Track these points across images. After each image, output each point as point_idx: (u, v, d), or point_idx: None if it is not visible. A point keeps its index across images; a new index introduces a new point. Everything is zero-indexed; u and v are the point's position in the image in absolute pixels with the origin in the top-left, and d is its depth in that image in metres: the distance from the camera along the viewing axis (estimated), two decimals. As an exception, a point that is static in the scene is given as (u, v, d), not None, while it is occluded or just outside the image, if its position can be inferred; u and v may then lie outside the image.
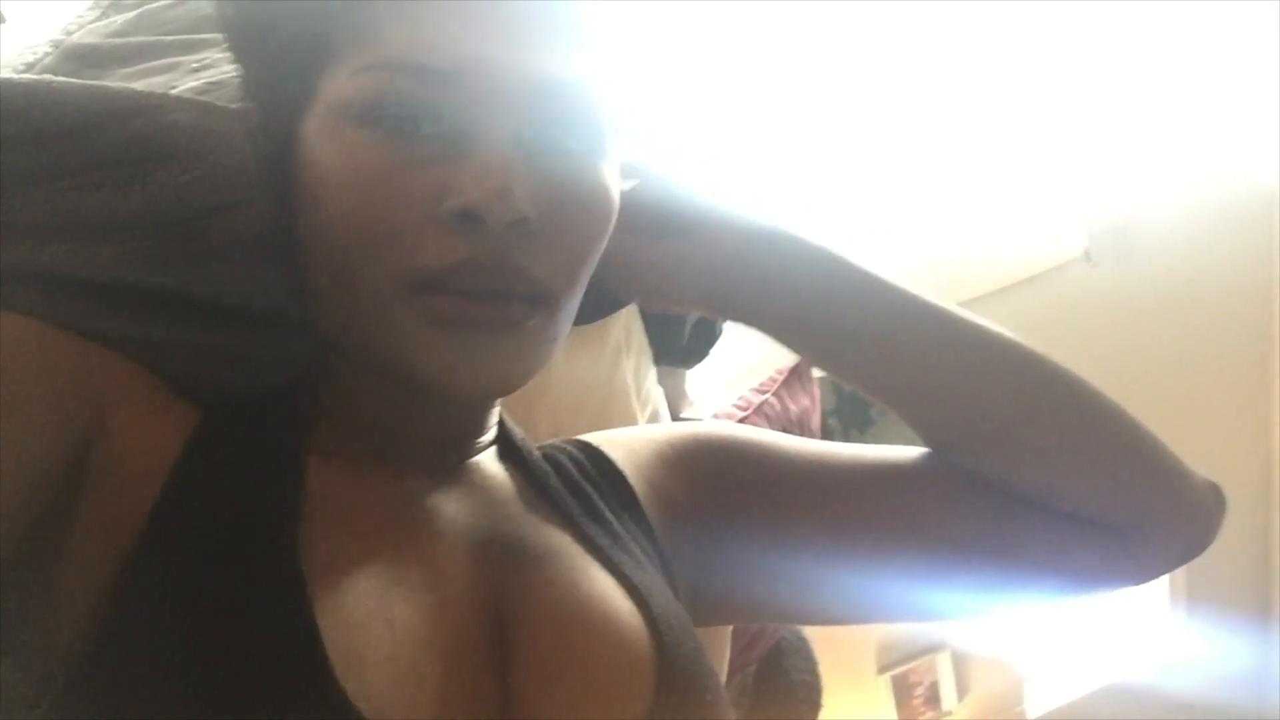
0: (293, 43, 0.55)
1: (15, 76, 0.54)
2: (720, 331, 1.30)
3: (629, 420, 1.06)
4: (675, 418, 1.26)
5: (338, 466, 0.58)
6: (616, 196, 0.59)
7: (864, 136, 2.15)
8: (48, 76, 0.55)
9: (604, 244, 0.60)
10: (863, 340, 0.68)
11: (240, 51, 0.59)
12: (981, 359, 0.68)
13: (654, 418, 1.13)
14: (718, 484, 0.71)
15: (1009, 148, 2.18)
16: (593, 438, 0.73)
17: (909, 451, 0.72)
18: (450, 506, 0.61)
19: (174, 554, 0.50)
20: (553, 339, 0.58)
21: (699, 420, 0.76)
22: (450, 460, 0.63)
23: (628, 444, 0.73)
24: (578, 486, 0.67)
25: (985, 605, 0.71)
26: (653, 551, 0.67)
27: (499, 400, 0.67)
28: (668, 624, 0.60)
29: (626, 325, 1.07)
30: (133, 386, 0.54)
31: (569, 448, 0.72)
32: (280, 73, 0.56)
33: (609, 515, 0.66)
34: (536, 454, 0.68)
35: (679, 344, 1.21)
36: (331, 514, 0.54)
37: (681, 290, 0.70)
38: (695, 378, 1.38)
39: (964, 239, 2.19)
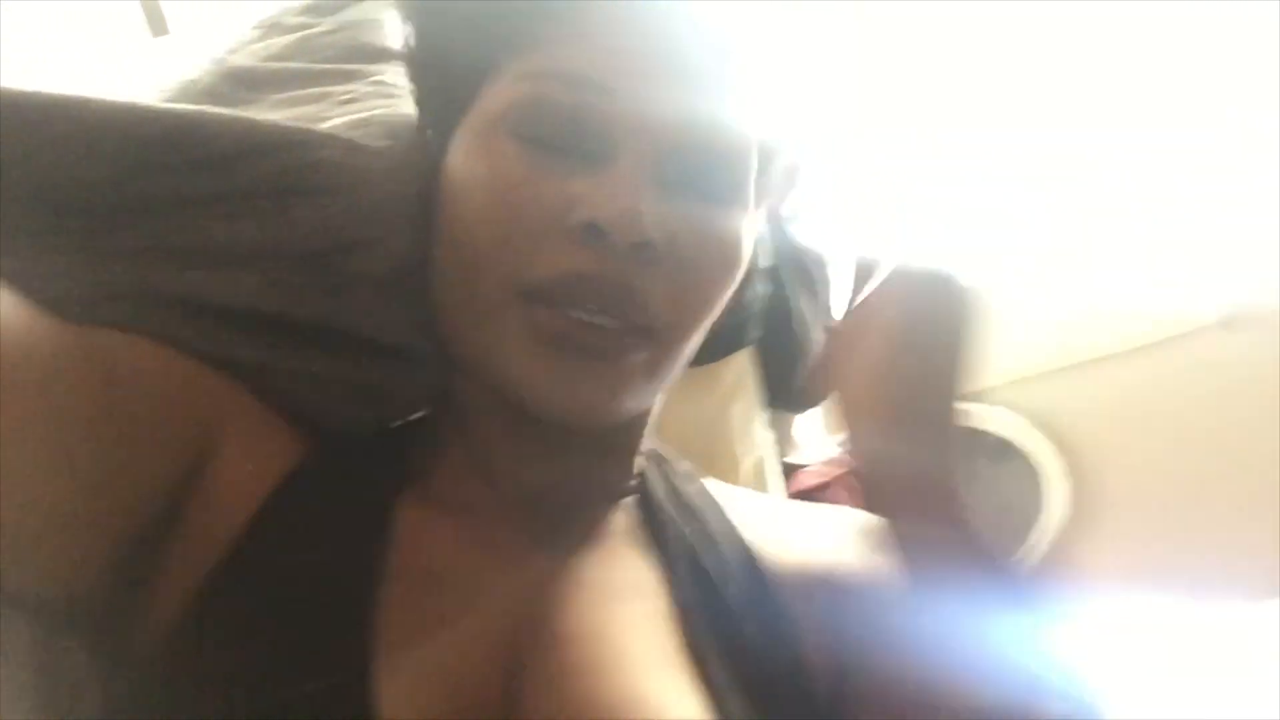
0: (462, 55, 0.57)
1: (175, 105, 0.57)
2: (834, 378, 1.28)
3: (730, 462, 1.06)
4: (783, 462, 1.25)
5: (434, 514, 0.58)
6: (748, 250, 0.58)
7: (997, 175, 2.10)
8: (204, 107, 0.58)
9: (727, 293, 0.58)
10: None
11: (416, 67, 0.62)
12: None
13: (758, 464, 1.12)
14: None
15: (1155, 203, 2.11)
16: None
17: None
18: (554, 559, 0.58)
19: (247, 589, 0.50)
20: (656, 381, 0.57)
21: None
22: (564, 510, 0.61)
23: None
24: (696, 528, 0.63)
25: None
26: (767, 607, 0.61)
27: (638, 450, 0.65)
28: (723, 657, 0.56)
29: (740, 368, 1.06)
30: (246, 413, 0.57)
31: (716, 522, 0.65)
32: (449, 86, 0.58)
33: (729, 583, 0.60)
34: (676, 526, 0.63)
35: (791, 389, 1.19)
36: (415, 568, 0.54)
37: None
38: (803, 422, 1.36)
39: (1096, 292, 2.12)
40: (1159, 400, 2.13)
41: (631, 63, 0.53)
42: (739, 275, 0.59)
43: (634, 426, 0.64)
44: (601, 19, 0.54)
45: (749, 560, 0.63)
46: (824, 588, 0.63)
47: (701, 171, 0.55)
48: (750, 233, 0.58)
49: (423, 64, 0.62)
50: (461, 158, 0.56)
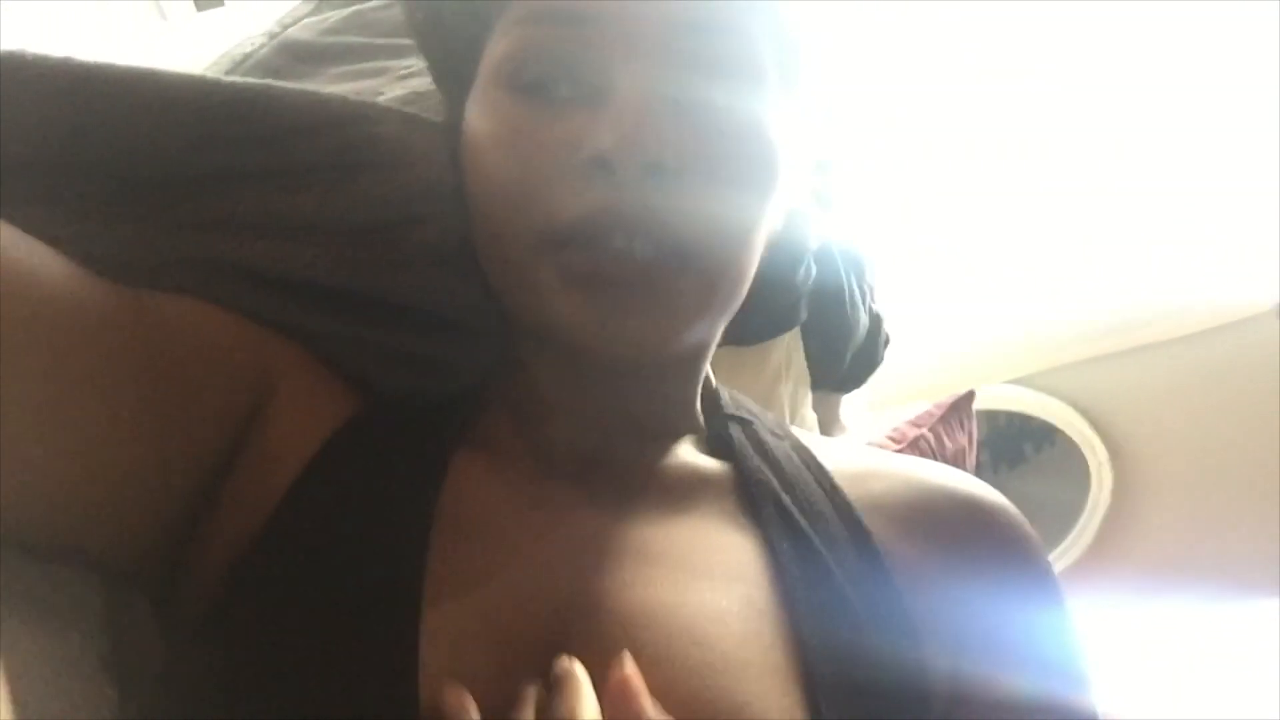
0: (456, 20, 0.57)
1: (238, 79, 0.57)
2: (881, 359, 1.28)
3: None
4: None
5: (489, 470, 0.57)
6: (777, 142, 0.56)
7: (1054, 163, 2.07)
8: (267, 81, 0.58)
9: (768, 196, 0.56)
10: None
11: (423, 44, 0.62)
12: None
13: (806, 444, 1.12)
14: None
15: (1210, 186, 2.07)
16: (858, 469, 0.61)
17: None
18: (609, 507, 0.56)
19: (300, 534, 0.51)
20: (711, 308, 0.55)
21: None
22: (624, 451, 0.59)
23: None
24: (800, 498, 0.57)
25: None
26: (882, 579, 0.55)
27: (700, 391, 0.63)
28: (830, 654, 0.49)
29: (788, 349, 1.06)
30: (302, 369, 0.57)
31: (821, 487, 0.59)
32: (452, 53, 0.59)
33: (842, 567, 0.54)
34: (754, 459, 0.59)
35: (839, 370, 1.19)
36: (467, 521, 0.53)
37: None
38: (849, 404, 1.36)
39: (1151, 279, 2.09)
40: (1207, 388, 2.10)
41: None
42: (772, 174, 0.56)
43: (685, 367, 0.62)
44: None
45: (863, 538, 0.56)
46: (943, 578, 0.56)
47: (707, 72, 0.53)
48: (779, 123, 0.56)
49: (425, 36, 0.62)
50: (472, 120, 0.56)
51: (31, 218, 0.48)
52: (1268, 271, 2.06)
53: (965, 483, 0.61)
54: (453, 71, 0.60)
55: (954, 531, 0.58)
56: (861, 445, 0.71)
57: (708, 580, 0.52)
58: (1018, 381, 2.14)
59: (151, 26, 1.65)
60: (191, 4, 1.58)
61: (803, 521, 0.56)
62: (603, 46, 0.52)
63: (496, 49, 0.55)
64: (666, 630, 0.48)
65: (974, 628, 0.55)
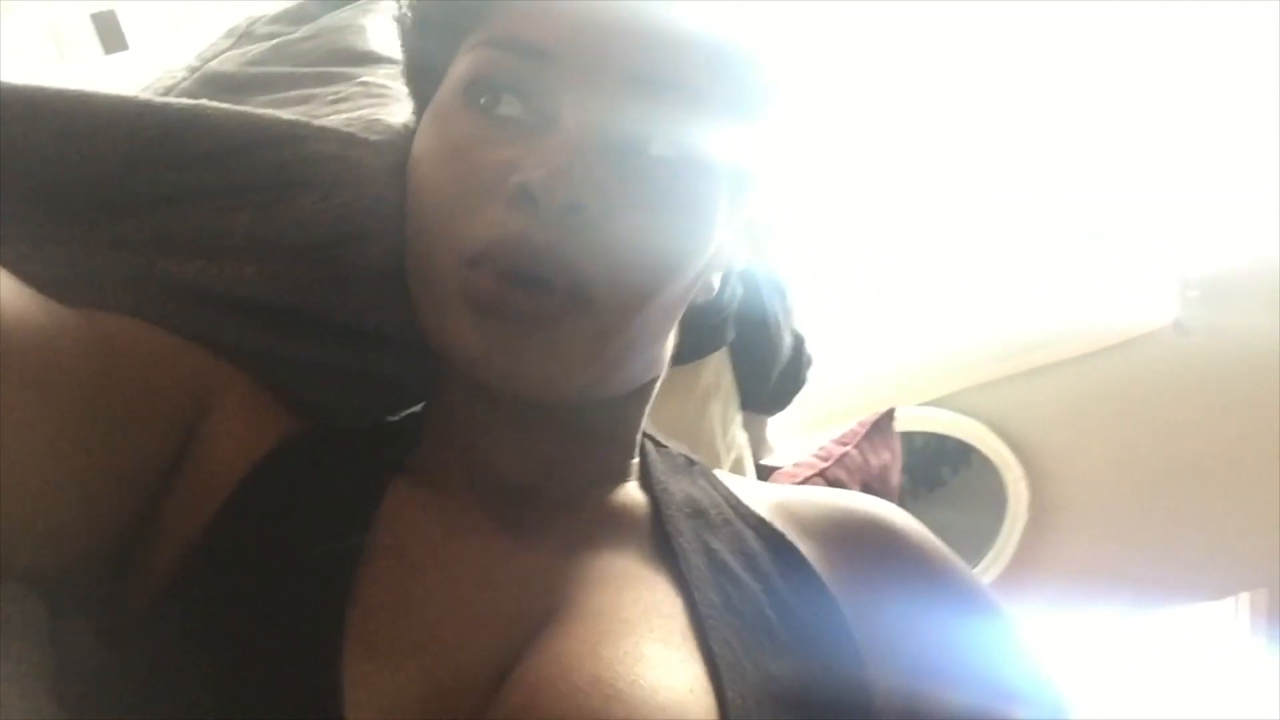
0: (432, 38, 0.58)
1: (175, 100, 0.57)
2: (805, 380, 1.30)
3: (713, 463, 1.07)
4: (756, 463, 1.26)
5: (422, 489, 0.57)
6: (711, 217, 0.56)
7: (947, 181, 2.15)
8: (202, 101, 0.58)
9: (681, 272, 0.55)
10: None
11: (405, 58, 0.62)
12: None
13: (737, 463, 1.13)
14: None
15: (1104, 206, 2.16)
16: (773, 505, 0.63)
17: None
18: (537, 541, 0.56)
19: (227, 552, 0.50)
20: (603, 357, 0.54)
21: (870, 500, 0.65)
22: (560, 488, 0.59)
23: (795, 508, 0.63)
24: (715, 549, 0.57)
25: None
26: (821, 602, 0.57)
27: (637, 430, 0.63)
28: (746, 708, 0.48)
29: (717, 369, 1.08)
30: (241, 388, 0.57)
31: (743, 521, 0.61)
32: (426, 71, 0.59)
33: (748, 588, 0.55)
34: (678, 503, 0.60)
35: (765, 390, 1.21)
36: (398, 538, 0.53)
37: None
38: (775, 425, 1.38)
39: (1048, 299, 2.16)
40: (1115, 402, 2.18)
41: (575, 28, 0.52)
42: (696, 249, 0.56)
43: (620, 414, 0.62)
44: None
45: (799, 566, 0.58)
46: (873, 596, 0.58)
47: (653, 128, 0.53)
48: (710, 217, 0.56)
49: (407, 54, 0.62)
50: (422, 133, 0.57)
51: (-38, 241, 0.47)
52: (1164, 288, 2.16)
53: (863, 500, 0.64)
54: (423, 84, 0.60)
55: (869, 548, 0.61)
56: (764, 483, 0.73)
57: (629, 624, 0.51)
58: (933, 402, 2.19)
59: (51, 69, 1.62)
60: (99, 46, 1.55)
61: (731, 559, 0.57)
62: (556, 79, 0.52)
63: (459, 66, 0.55)
64: (593, 626, 0.50)
65: (906, 645, 0.57)
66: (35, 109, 0.52)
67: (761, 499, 0.64)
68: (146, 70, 0.97)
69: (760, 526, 0.60)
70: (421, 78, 0.60)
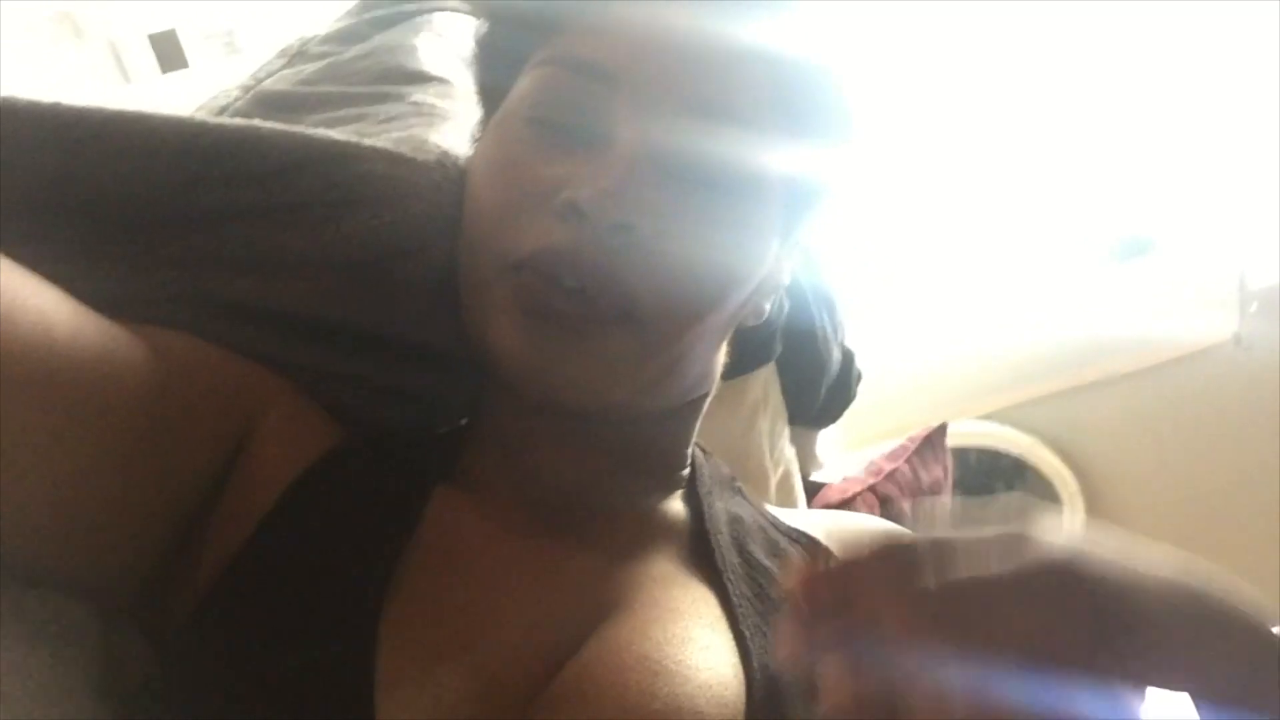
0: (502, 52, 0.59)
1: (228, 120, 0.58)
2: (855, 394, 1.29)
3: (761, 478, 1.06)
4: (805, 478, 1.25)
5: (469, 498, 0.57)
6: (764, 242, 0.57)
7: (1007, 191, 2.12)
8: (255, 120, 0.59)
9: (728, 296, 0.56)
10: None
11: (479, 69, 0.63)
12: None
13: (785, 478, 1.12)
14: None
15: (1163, 217, 2.12)
16: (815, 531, 0.64)
17: None
18: (580, 550, 0.57)
19: (270, 559, 0.51)
20: (639, 366, 0.55)
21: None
22: (603, 499, 0.60)
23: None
24: (752, 556, 0.59)
25: None
26: None
27: (688, 443, 0.63)
28: (771, 707, 0.49)
29: (765, 384, 1.07)
30: (287, 399, 0.58)
31: (777, 530, 0.63)
32: (495, 84, 0.60)
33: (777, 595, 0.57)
34: (719, 513, 0.61)
35: (814, 405, 1.20)
36: (442, 548, 0.54)
37: None
38: (824, 440, 1.37)
39: (1105, 313, 2.13)
40: (1172, 418, 2.14)
41: (636, 50, 0.53)
42: (746, 278, 0.57)
43: (669, 429, 0.63)
44: (622, 12, 0.55)
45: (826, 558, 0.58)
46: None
47: (705, 165, 0.54)
48: (763, 242, 0.57)
49: (478, 69, 0.64)
50: (482, 145, 0.58)
51: (19, 258, 0.48)
52: (1224, 302, 2.11)
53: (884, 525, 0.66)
54: (493, 97, 0.61)
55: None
56: (810, 511, 0.74)
57: (675, 613, 0.53)
58: (987, 417, 2.16)
59: (115, 89, 1.66)
60: (156, 65, 1.59)
61: (763, 559, 0.58)
62: (613, 98, 0.53)
63: (523, 82, 0.57)
64: (644, 673, 0.49)
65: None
66: (94, 130, 0.53)
67: (804, 520, 0.65)
68: (199, 91, 0.99)
69: (793, 532, 0.63)
70: (490, 91, 0.62)
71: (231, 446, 0.55)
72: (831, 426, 1.32)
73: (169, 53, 1.58)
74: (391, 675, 0.46)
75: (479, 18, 0.63)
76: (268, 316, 0.57)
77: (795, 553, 0.61)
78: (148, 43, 1.62)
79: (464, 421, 0.65)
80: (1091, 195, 2.13)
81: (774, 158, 0.56)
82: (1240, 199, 2.11)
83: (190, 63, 1.61)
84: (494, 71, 0.61)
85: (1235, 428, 2.13)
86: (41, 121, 0.53)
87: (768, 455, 1.06)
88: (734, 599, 0.54)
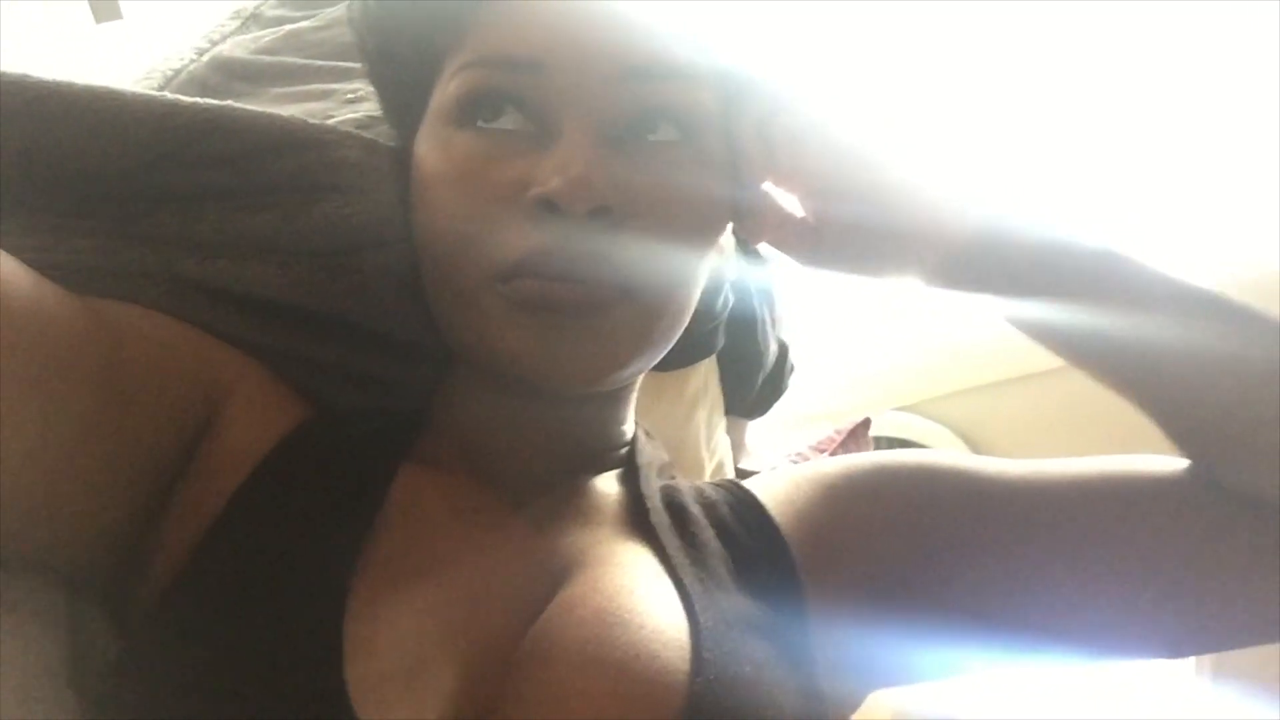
0: (407, 58, 0.59)
1: (202, 100, 0.57)
2: (787, 386, 1.32)
3: (697, 468, 1.08)
4: (734, 468, 1.27)
5: (431, 476, 0.58)
6: (716, 185, 0.58)
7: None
8: (228, 102, 0.58)
9: (706, 238, 0.59)
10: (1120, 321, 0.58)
11: (374, 75, 0.63)
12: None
13: (719, 468, 1.15)
14: (921, 518, 0.61)
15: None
16: (748, 482, 0.66)
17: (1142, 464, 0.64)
18: (534, 522, 0.59)
19: (238, 537, 0.52)
20: (650, 341, 0.57)
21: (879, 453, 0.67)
22: (555, 475, 0.62)
23: (784, 484, 0.65)
24: (687, 517, 0.61)
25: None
26: (781, 598, 0.59)
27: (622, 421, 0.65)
28: (715, 643, 0.51)
29: (705, 376, 1.09)
30: (254, 379, 0.58)
31: (708, 486, 0.66)
32: (403, 89, 0.60)
33: (710, 546, 0.59)
34: (654, 481, 0.64)
35: (749, 396, 1.22)
36: (407, 522, 0.55)
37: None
38: (753, 430, 1.39)
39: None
40: (1082, 416, 2.21)
41: (556, 32, 0.54)
42: (711, 215, 0.59)
43: (609, 409, 0.65)
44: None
45: (786, 569, 0.60)
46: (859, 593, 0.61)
47: (651, 117, 0.55)
48: (715, 169, 0.58)
49: (376, 67, 0.63)
50: (423, 155, 0.58)
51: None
52: None
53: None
54: (403, 104, 0.61)
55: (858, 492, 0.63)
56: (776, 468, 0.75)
57: (621, 568, 0.56)
58: (905, 409, 2.22)
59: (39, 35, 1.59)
60: (90, 14, 1.53)
61: (694, 509, 0.61)
62: (551, 87, 0.53)
63: (448, 88, 0.56)
64: (601, 625, 0.51)
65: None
66: (67, 105, 0.52)
67: (769, 486, 0.66)
68: (141, 42, 0.96)
69: (724, 483, 0.66)
70: (403, 97, 0.61)
71: (197, 423, 0.55)
72: (762, 416, 1.35)
73: (103, 3, 1.52)
74: (361, 647, 0.47)
75: (368, 34, 0.62)
76: (238, 299, 0.57)
77: (720, 497, 0.64)
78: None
79: (426, 403, 0.66)
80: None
81: (712, 106, 0.58)
82: (1173, 201, 2.17)
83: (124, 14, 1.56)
84: (399, 89, 0.61)
85: (1143, 430, 2.22)
86: (6, 94, 0.51)
87: (704, 445, 1.08)
88: (669, 550, 0.57)
